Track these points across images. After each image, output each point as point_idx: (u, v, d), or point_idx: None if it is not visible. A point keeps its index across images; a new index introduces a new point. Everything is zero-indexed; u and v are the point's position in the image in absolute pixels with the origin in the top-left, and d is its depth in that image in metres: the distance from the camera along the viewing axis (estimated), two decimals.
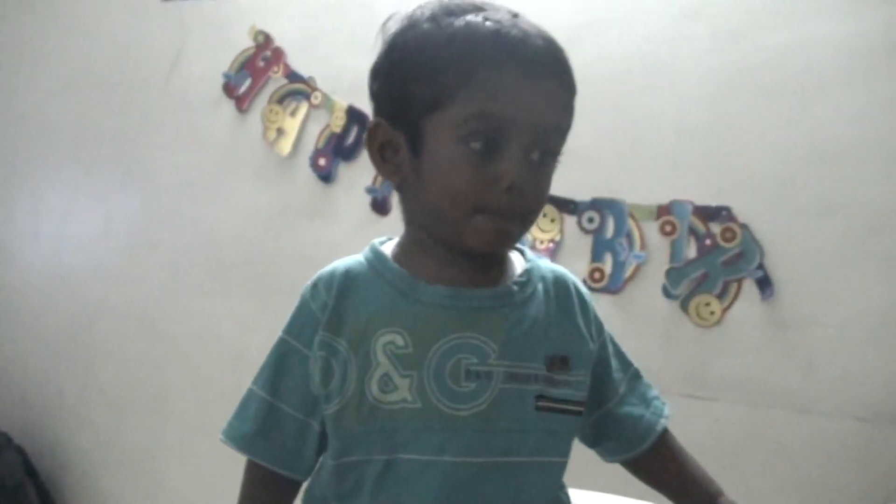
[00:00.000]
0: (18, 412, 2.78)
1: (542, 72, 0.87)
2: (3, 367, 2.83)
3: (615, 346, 1.04)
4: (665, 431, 1.04)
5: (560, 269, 1.01)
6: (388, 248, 0.97)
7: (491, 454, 0.88)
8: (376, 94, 0.95)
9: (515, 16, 0.90)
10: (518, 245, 1.00)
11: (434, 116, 0.88)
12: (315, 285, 0.95)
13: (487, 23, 0.87)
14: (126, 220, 2.63)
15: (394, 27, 0.93)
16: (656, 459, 1.04)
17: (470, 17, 0.88)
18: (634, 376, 1.05)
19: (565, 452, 0.96)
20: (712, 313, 1.88)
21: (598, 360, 0.99)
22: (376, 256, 0.95)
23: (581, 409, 0.95)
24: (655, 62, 1.94)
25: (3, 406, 2.80)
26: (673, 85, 1.93)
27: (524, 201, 0.88)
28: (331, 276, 0.95)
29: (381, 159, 0.94)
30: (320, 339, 0.92)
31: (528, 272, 0.96)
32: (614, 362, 1.02)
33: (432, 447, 0.88)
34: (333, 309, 0.93)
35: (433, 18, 0.89)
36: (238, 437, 0.96)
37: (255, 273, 2.40)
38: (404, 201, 0.96)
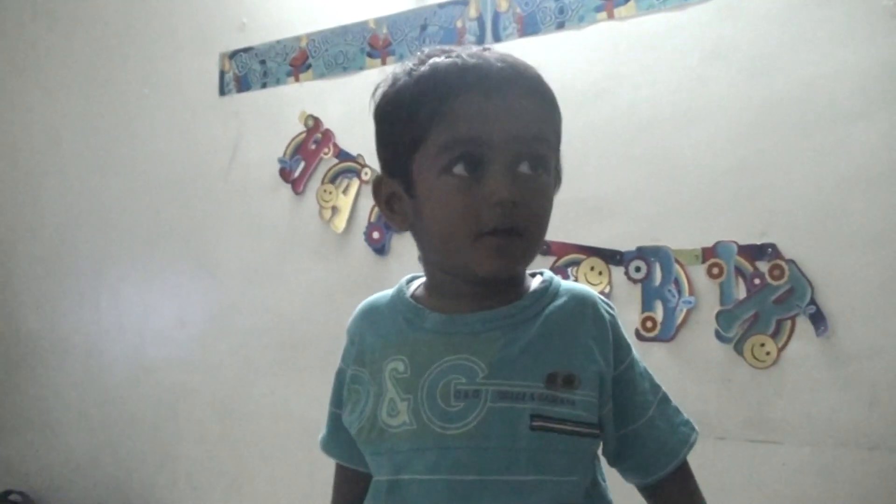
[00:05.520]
0: (114, 499, 2.89)
1: (504, 90, 0.90)
2: (96, 455, 2.95)
3: (643, 367, 1.01)
4: (683, 464, 1.01)
5: (580, 288, 1.00)
6: (415, 284, 1.04)
7: (483, 472, 0.89)
8: (377, 154, 1.01)
9: (484, 49, 0.94)
10: (535, 270, 1.02)
11: (417, 156, 0.93)
12: (352, 320, 1.07)
13: (448, 59, 0.92)
14: (198, 308, 2.73)
15: (380, 90, 0.99)
16: (672, 490, 1.01)
17: (434, 59, 0.93)
18: (663, 400, 1.01)
19: (574, 471, 0.94)
20: (768, 354, 1.84)
21: (622, 380, 0.97)
22: (398, 290, 1.03)
23: (583, 430, 0.92)
24: (684, 107, 1.95)
25: (100, 493, 2.92)
26: (704, 127, 1.92)
27: (519, 214, 0.89)
28: (358, 312, 1.06)
29: (391, 211, 1.00)
30: (352, 373, 1.02)
31: (535, 293, 0.97)
32: (642, 384, 0.99)
33: (427, 466, 0.91)
34: (359, 343, 1.03)
35: (407, 71, 0.95)
36: (321, 441, 1.12)
37: (319, 348, 2.45)
38: (418, 244, 1.01)
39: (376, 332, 1.01)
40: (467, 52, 0.93)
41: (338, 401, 1.06)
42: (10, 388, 3.20)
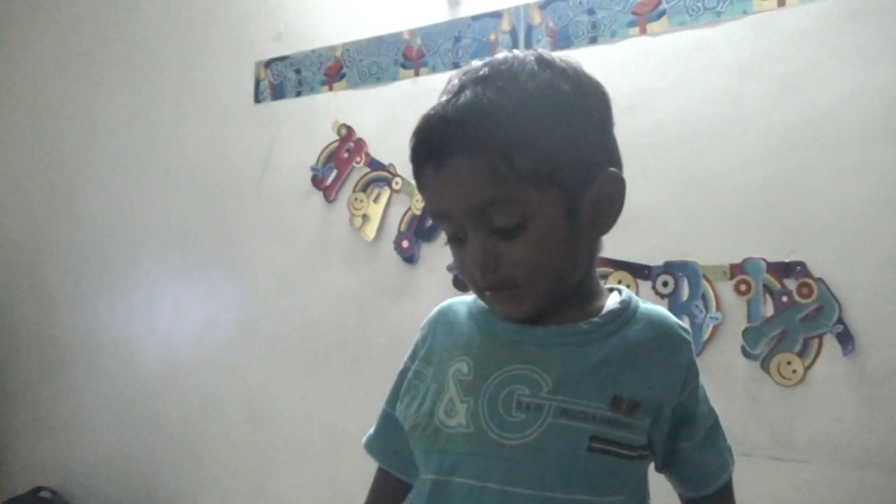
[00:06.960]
0: (141, 497, 2.93)
1: (451, 156, 0.89)
2: (125, 454, 3.00)
3: (703, 392, 1.02)
4: (725, 487, 1.04)
5: (659, 313, 1.00)
6: None
7: (538, 487, 0.89)
8: None
9: (459, 88, 0.92)
10: (617, 286, 1.03)
11: None
12: (428, 318, 1.08)
13: (427, 115, 0.93)
14: (229, 311, 2.77)
15: None
16: None
17: (425, 113, 0.94)
18: (715, 425, 1.04)
19: (626, 491, 0.94)
20: (794, 372, 1.83)
21: (684, 405, 0.98)
22: (475, 297, 1.03)
23: (637, 453, 0.93)
24: (716, 122, 1.95)
25: (128, 492, 2.96)
26: (735, 143, 1.92)
27: (505, 273, 0.91)
28: (435, 312, 1.08)
29: None
30: (416, 369, 1.03)
31: (611, 313, 0.97)
32: (701, 409, 1.01)
33: (478, 473, 0.91)
34: (430, 342, 1.04)
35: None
36: (366, 439, 1.12)
37: (347, 354, 2.49)
38: None
39: (448, 333, 1.02)
40: (440, 100, 0.93)
41: (393, 400, 1.07)
42: (42, 387, 3.26)
